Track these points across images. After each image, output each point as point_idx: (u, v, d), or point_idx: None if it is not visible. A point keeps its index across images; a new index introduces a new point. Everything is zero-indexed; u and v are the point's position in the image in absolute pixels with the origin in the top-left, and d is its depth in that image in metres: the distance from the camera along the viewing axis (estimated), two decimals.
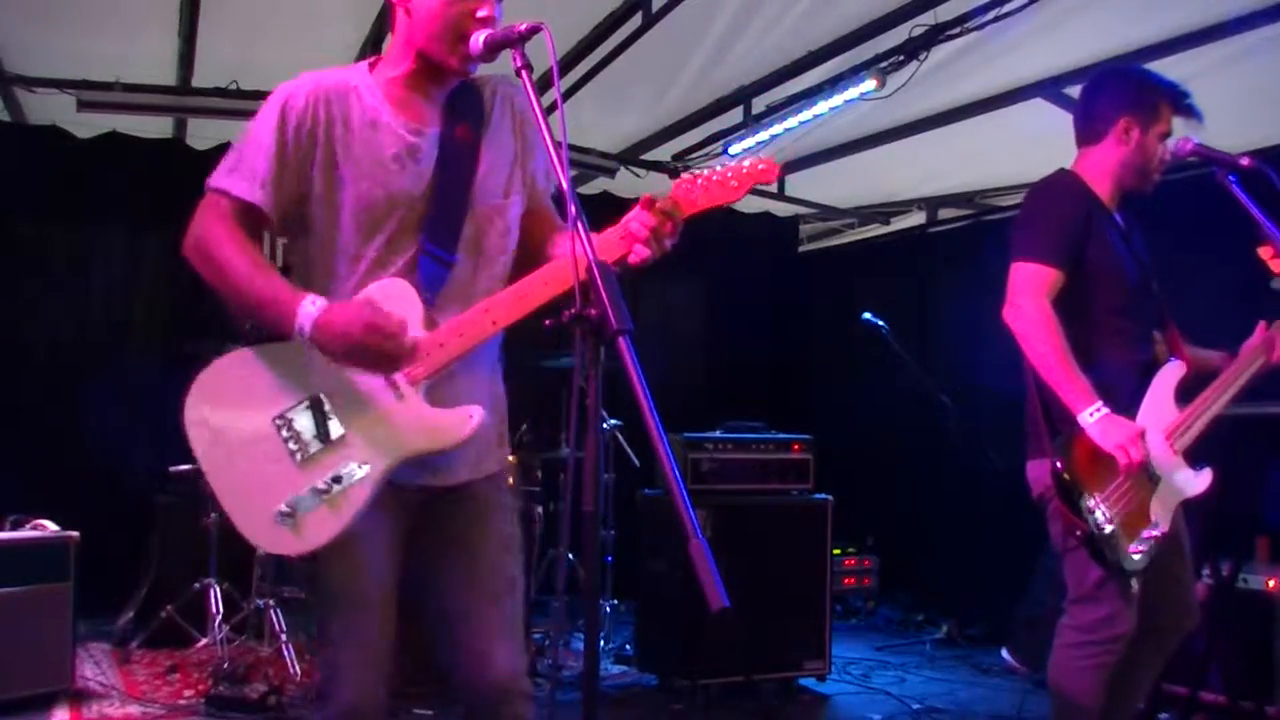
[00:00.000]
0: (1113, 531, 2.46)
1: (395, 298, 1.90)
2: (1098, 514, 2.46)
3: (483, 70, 1.97)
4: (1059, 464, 2.49)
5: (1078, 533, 2.48)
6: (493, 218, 2.02)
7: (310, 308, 1.82)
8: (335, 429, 1.87)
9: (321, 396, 1.88)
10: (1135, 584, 2.51)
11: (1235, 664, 3.63)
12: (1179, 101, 2.71)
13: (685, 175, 1.93)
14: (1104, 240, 2.64)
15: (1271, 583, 3.73)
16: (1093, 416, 2.46)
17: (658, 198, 1.86)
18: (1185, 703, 3.55)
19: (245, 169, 1.91)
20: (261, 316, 1.88)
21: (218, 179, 1.93)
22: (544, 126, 1.71)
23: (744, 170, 1.91)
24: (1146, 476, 2.55)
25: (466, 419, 1.90)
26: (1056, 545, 2.65)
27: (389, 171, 1.92)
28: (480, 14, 1.88)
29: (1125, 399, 2.56)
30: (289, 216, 1.96)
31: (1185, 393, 2.69)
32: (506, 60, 1.77)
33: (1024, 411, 2.73)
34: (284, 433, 1.87)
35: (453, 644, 2.00)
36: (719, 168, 1.92)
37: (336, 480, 1.85)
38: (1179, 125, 2.75)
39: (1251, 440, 3.42)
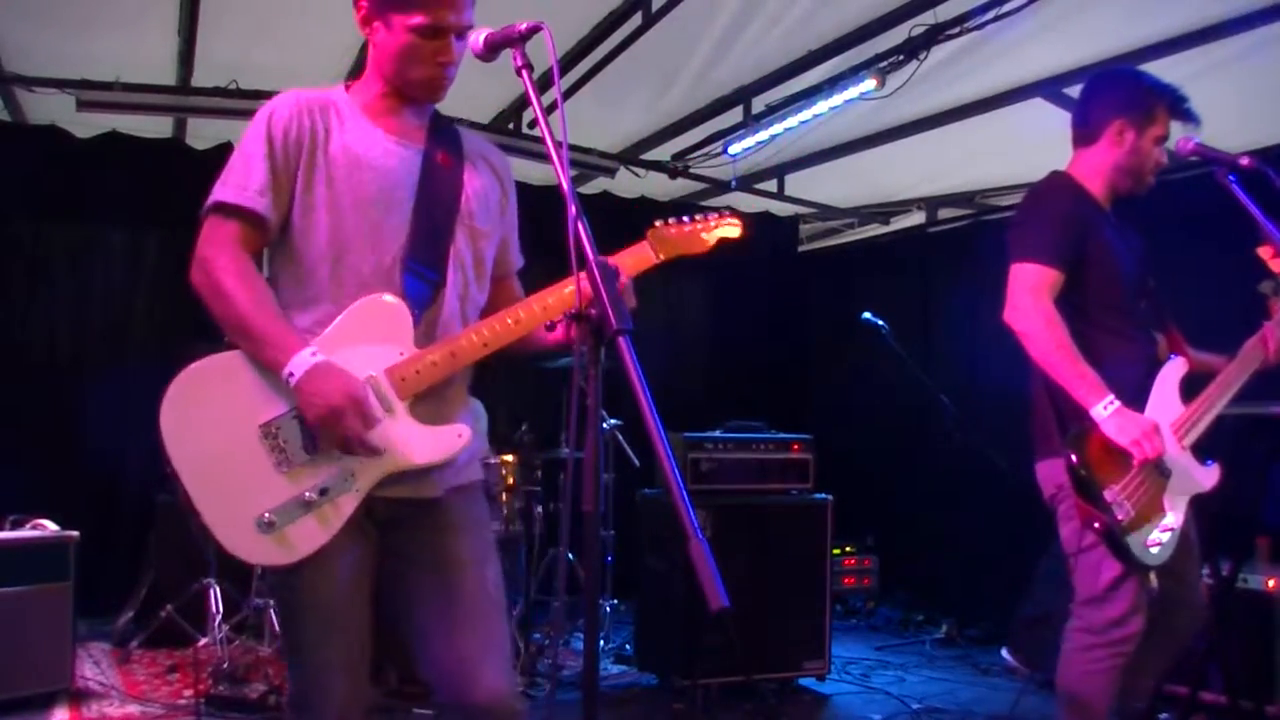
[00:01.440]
0: (1131, 525, 2.44)
1: (385, 313, 1.90)
2: (1116, 507, 2.44)
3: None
4: (1074, 458, 2.46)
5: (1096, 525, 2.45)
6: (480, 242, 2.05)
7: (308, 358, 1.80)
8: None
9: None
10: (1154, 580, 2.50)
11: (1235, 664, 3.63)
12: (1176, 105, 2.70)
13: (658, 223, 2.08)
14: (1101, 239, 2.63)
15: (1271, 583, 3.74)
16: (1106, 410, 2.45)
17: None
18: (1185, 703, 3.55)
19: (238, 180, 1.90)
20: (259, 355, 1.84)
21: (215, 194, 1.92)
22: (544, 127, 1.72)
23: (711, 224, 2.12)
24: (1159, 471, 2.53)
25: (456, 437, 1.92)
26: (1069, 546, 2.62)
27: (369, 177, 1.93)
28: (441, 59, 1.93)
29: (1129, 395, 2.54)
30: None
31: (1187, 391, 2.68)
32: (488, 104, 1.77)
33: (1029, 412, 2.71)
34: (268, 441, 1.85)
35: (433, 664, 1.94)
36: (689, 219, 2.11)
37: (324, 492, 1.84)
38: (1177, 129, 2.74)
39: (1252, 440, 3.42)
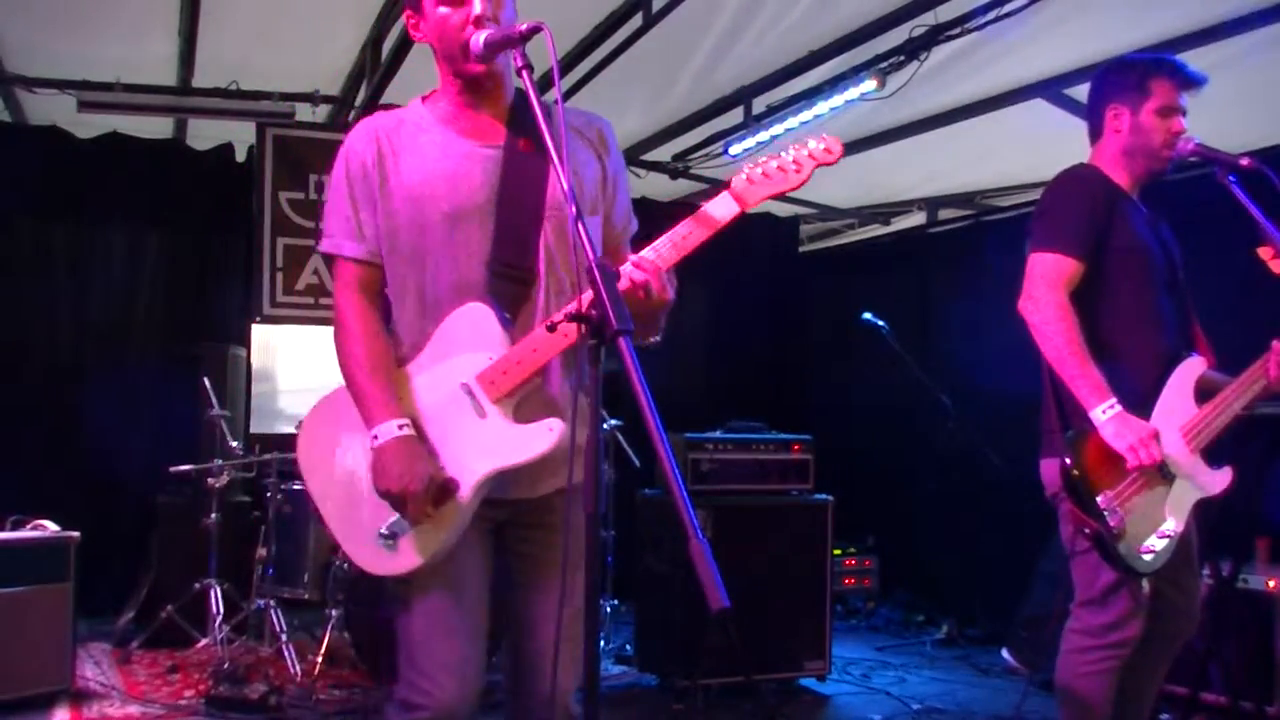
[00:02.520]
0: (1123, 531, 2.40)
1: (474, 320, 1.92)
2: (1108, 513, 2.40)
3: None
4: (1068, 460, 2.43)
5: (1087, 531, 2.41)
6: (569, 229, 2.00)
7: (393, 429, 1.87)
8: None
9: (414, 422, 1.92)
10: (1146, 585, 2.46)
11: (1235, 664, 3.63)
12: (1167, 71, 2.62)
13: (746, 168, 1.94)
14: (1129, 228, 2.57)
15: (1271, 583, 3.74)
16: (1105, 414, 2.40)
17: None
18: (1185, 703, 3.55)
19: (333, 228, 2.00)
20: (357, 407, 1.94)
21: (320, 244, 2.04)
22: (545, 128, 1.72)
23: (806, 153, 1.92)
24: (1161, 475, 2.47)
25: (547, 432, 1.90)
26: (1067, 547, 2.58)
27: (444, 189, 1.93)
28: (475, 14, 1.89)
29: (1146, 392, 2.50)
30: None
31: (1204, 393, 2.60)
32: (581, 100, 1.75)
33: (1033, 409, 2.68)
34: None
35: (512, 650, 2.06)
36: (781, 155, 1.92)
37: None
38: (1191, 102, 2.66)
39: (1252, 440, 3.42)
